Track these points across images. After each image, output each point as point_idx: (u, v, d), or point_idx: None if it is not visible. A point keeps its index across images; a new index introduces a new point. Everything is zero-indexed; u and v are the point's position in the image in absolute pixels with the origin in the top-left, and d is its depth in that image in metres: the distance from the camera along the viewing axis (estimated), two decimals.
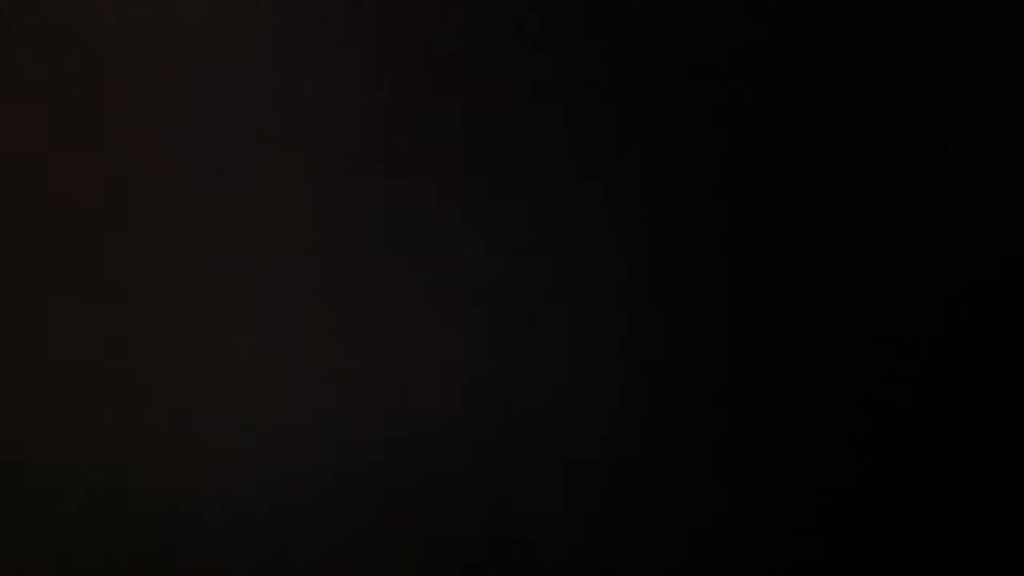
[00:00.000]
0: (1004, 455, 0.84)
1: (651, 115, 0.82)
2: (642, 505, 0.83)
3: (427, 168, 0.81)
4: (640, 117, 0.82)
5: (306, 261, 0.81)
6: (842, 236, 0.83)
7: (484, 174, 0.81)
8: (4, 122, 0.79)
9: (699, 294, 0.83)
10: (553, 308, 0.82)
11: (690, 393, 0.83)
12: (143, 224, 0.80)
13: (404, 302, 0.81)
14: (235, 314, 0.80)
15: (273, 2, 0.80)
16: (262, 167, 0.80)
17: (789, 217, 0.83)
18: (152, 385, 0.80)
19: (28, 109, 0.79)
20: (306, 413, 0.81)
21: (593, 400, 0.82)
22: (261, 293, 0.80)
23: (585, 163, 0.82)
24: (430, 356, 0.81)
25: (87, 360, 0.79)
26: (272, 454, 0.81)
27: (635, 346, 0.82)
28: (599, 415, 0.82)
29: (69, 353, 0.79)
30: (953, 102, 0.84)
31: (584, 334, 0.82)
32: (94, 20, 0.79)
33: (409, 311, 0.81)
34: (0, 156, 0.79)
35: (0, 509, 0.79)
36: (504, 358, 0.82)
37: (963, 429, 0.84)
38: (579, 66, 0.82)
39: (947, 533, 0.84)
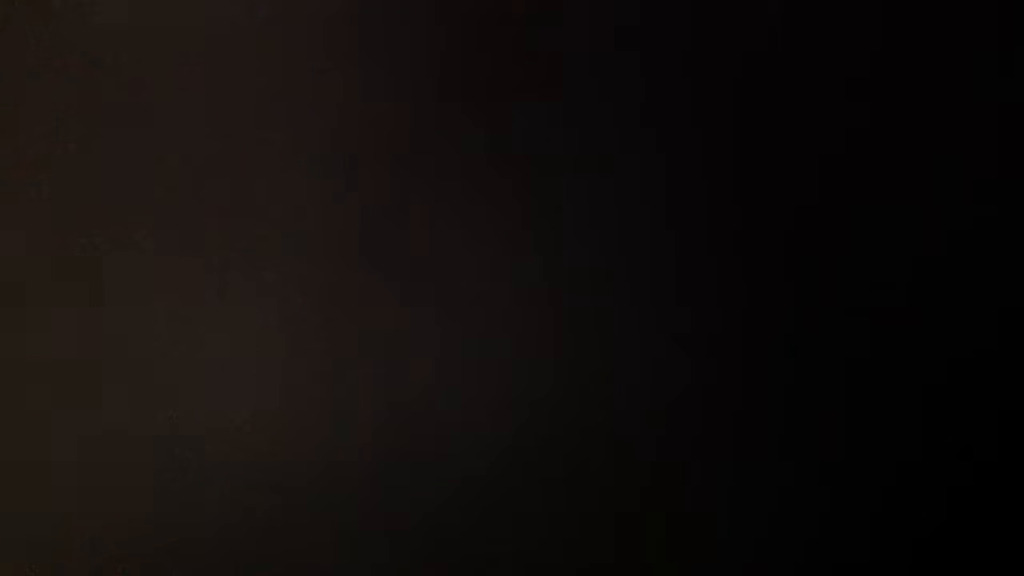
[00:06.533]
0: (1009, 457, 0.84)
1: (657, 117, 0.82)
2: (643, 507, 0.83)
3: (428, 168, 0.81)
4: (644, 119, 0.82)
5: (307, 260, 0.80)
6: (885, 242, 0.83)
7: (485, 174, 0.81)
8: (4, 122, 0.79)
9: (695, 292, 0.83)
10: (553, 308, 0.82)
11: (686, 391, 0.83)
12: (143, 224, 0.80)
13: (404, 302, 0.81)
14: (236, 313, 0.80)
15: (275, 1, 0.80)
16: (262, 166, 0.80)
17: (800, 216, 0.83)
18: (152, 384, 0.80)
19: (28, 109, 0.79)
20: (306, 412, 0.81)
21: (593, 400, 0.82)
22: (262, 292, 0.80)
23: (587, 164, 0.82)
24: (430, 356, 0.81)
25: (87, 359, 0.79)
26: (272, 453, 0.81)
27: (634, 346, 0.82)
28: (599, 415, 0.82)
29: (69, 352, 0.79)
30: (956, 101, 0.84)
31: (583, 334, 0.82)
32: (94, 20, 0.79)
33: (409, 311, 0.81)
34: (0, 156, 0.79)
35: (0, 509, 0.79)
36: (504, 358, 0.82)
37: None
38: (581, 66, 0.82)
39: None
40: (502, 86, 0.81)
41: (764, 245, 0.83)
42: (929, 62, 0.83)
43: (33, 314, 0.79)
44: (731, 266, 0.83)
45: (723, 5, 0.82)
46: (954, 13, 0.83)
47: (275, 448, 0.80)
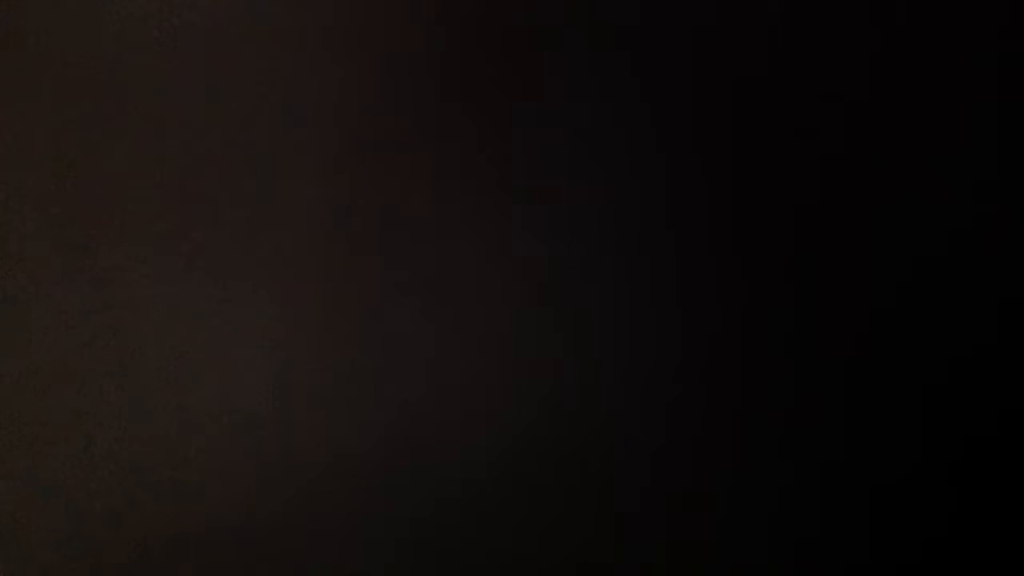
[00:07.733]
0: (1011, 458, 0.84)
1: (656, 117, 0.82)
2: (643, 507, 0.83)
3: (428, 168, 0.81)
4: (644, 119, 0.82)
5: (307, 260, 0.81)
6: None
7: (485, 174, 0.81)
8: (4, 122, 0.79)
9: (695, 292, 0.83)
10: (553, 308, 0.82)
11: (686, 391, 0.83)
12: (143, 223, 0.80)
13: (404, 302, 0.81)
14: (236, 312, 0.80)
15: (274, 1, 0.80)
16: (262, 166, 0.80)
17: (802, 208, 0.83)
18: (152, 384, 0.80)
19: (28, 109, 0.79)
20: (305, 412, 0.81)
21: (593, 400, 0.82)
22: (262, 292, 0.80)
23: (587, 164, 0.82)
24: (429, 357, 0.81)
25: (87, 359, 0.79)
26: (272, 453, 0.81)
27: (634, 346, 0.82)
28: (599, 415, 0.82)
29: (69, 352, 0.79)
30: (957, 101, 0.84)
31: (583, 334, 0.82)
32: (94, 20, 0.79)
33: (409, 311, 0.81)
34: (0, 156, 0.79)
35: (1, 509, 0.79)
36: (503, 359, 0.82)
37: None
38: (581, 66, 0.82)
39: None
40: (502, 86, 0.81)
41: (764, 245, 0.83)
42: (929, 62, 0.83)
43: (33, 314, 0.79)
44: (731, 266, 0.83)
45: (723, 5, 0.82)
46: (954, 13, 0.83)
47: (275, 448, 0.81)
